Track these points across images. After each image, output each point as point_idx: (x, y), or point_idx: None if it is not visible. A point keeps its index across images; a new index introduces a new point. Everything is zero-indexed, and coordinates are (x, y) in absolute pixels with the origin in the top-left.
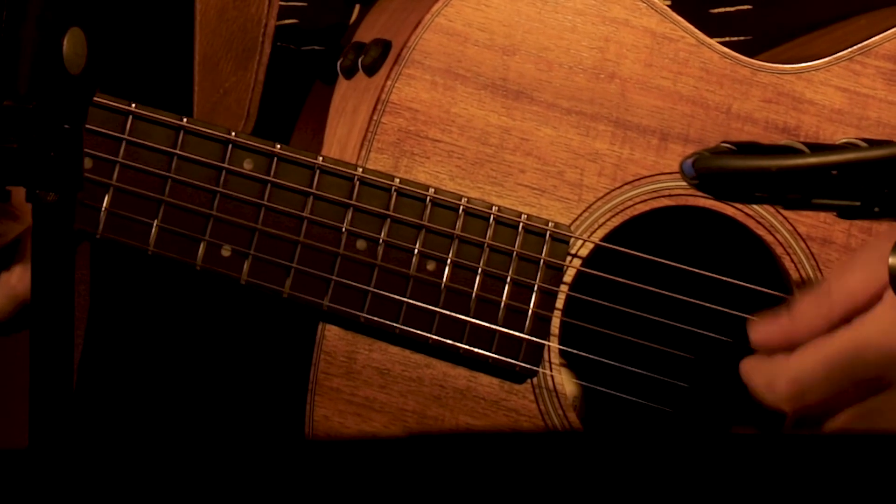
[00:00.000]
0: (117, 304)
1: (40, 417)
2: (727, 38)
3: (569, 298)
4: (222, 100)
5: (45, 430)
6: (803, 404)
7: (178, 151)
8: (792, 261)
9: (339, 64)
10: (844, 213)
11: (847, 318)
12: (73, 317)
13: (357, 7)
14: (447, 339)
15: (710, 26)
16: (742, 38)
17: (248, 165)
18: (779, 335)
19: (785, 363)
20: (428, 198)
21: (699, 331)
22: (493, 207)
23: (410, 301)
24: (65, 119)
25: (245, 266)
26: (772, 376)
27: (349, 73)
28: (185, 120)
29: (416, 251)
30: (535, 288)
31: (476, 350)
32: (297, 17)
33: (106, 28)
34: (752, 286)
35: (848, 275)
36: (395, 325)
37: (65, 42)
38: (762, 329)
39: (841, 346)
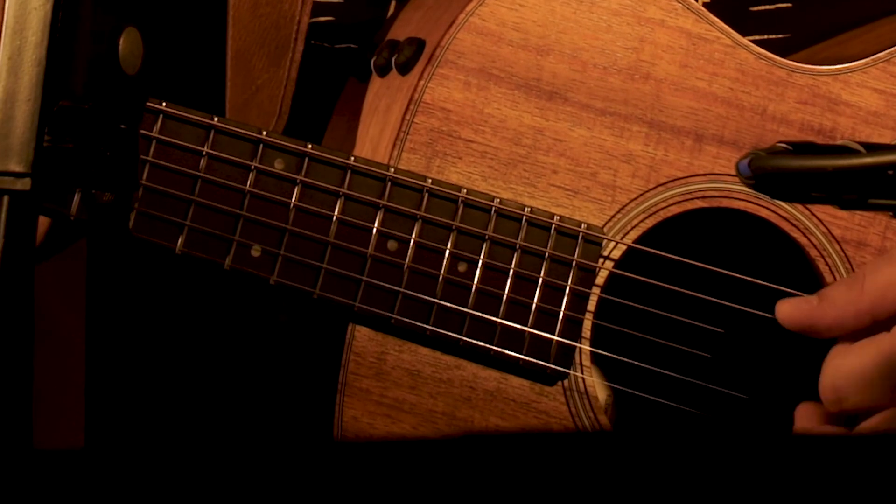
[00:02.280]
0: (146, 305)
1: (97, 418)
2: (766, 36)
3: (600, 300)
4: (254, 97)
5: (101, 431)
6: (841, 409)
7: (208, 150)
8: (826, 263)
9: (372, 62)
10: None
11: (875, 313)
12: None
13: (393, 2)
14: (478, 340)
15: (750, 24)
16: (781, 35)
17: (278, 165)
18: (803, 315)
19: (824, 368)
20: (460, 198)
21: (732, 333)
22: (526, 208)
23: (441, 302)
24: (121, 119)
25: (275, 266)
26: (838, 382)
27: (383, 72)
28: (215, 119)
29: (447, 252)
30: (567, 290)
31: (507, 352)
32: (333, 15)
33: (161, 27)
34: (786, 289)
35: (884, 268)
36: (425, 326)
37: (121, 42)
38: (788, 307)
39: (879, 353)
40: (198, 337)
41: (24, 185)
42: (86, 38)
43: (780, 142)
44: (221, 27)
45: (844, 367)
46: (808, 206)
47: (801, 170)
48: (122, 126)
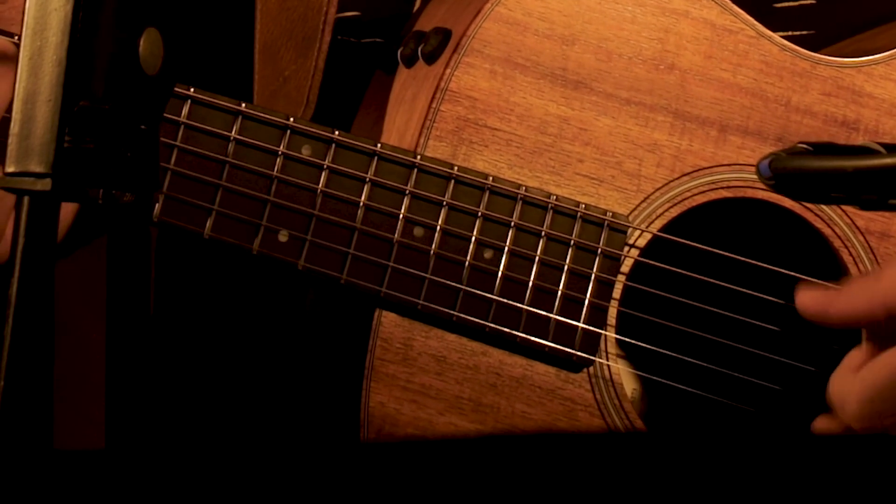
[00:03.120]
0: (167, 301)
1: (117, 418)
2: (790, 33)
3: (626, 289)
4: (282, 88)
5: (121, 431)
6: (872, 425)
7: (236, 136)
8: (850, 254)
9: (399, 53)
10: None
11: (888, 305)
12: (150, 317)
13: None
14: (504, 327)
15: (774, 20)
16: (805, 32)
17: (306, 151)
18: (818, 302)
19: (852, 382)
20: (486, 186)
21: (756, 322)
22: (551, 196)
23: (467, 289)
24: (141, 120)
25: (302, 252)
26: (843, 395)
27: (409, 62)
28: (243, 105)
29: (473, 239)
30: (593, 277)
31: (532, 338)
32: (359, 9)
33: (189, 20)
34: (810, 279)
35: None
36: (451, 312)
37: (141, 43)
38: (805, 293)
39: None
40: (222, 330)
41: (44, 185)
42: (106, 38)
43: (801, 142)
44: (249, 20)
45: (874, 381)
46: None
47: (821, 170)
48: (143, 126)
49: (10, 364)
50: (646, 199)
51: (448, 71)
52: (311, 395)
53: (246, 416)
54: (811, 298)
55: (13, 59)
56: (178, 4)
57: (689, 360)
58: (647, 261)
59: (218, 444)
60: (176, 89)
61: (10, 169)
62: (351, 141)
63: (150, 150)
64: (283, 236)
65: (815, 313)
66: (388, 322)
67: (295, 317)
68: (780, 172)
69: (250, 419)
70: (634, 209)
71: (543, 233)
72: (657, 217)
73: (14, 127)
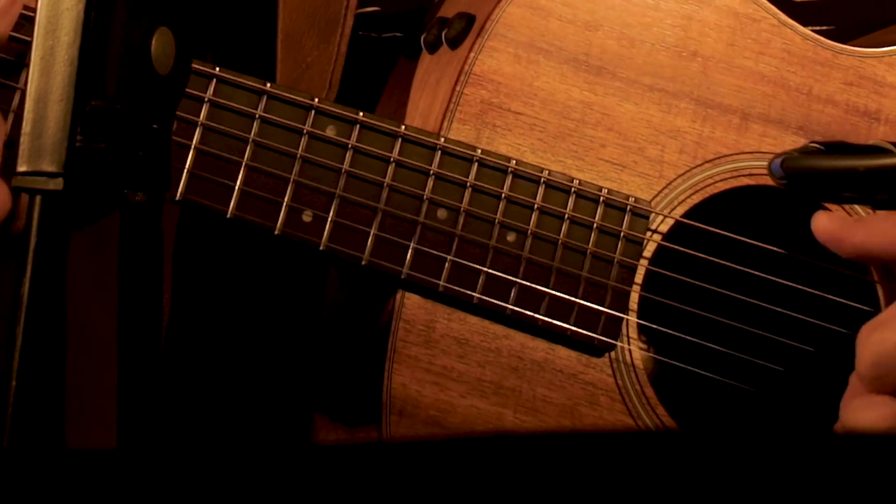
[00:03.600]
0: (194, 285)
1: (129, 418)
2: (810, 28)
3: (648, 274)
4: (305, 74)
5: (133, 430)
6: (883, 387)
7: (261, 114)
8: None
9: (422, 38)
10: None
11: None
12: (161, 316)
13: None
14: (526, 310)
15: (793, 15)
16: (825, 27)
17: (330, 131)
18: (835, 226)
19: (861, 343)
20: (509, 169)
21: (777, 308)
22: (574, 181)
23: (490, 271)
24: (153, 119)
25: (325, 232)
26: (858, 353)
27: (433, 48)
28: (268, 85)
29: (496, 221)
30: (615, 261)
31: (554, 322)
32: (379, 4)
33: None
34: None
35: None
36: (474, 294)
37: (153, 42)
38: (824, 217)
39: None
40: (244, 307)
41: (56, 184)
42: (118, 38)
43: (813, 142)
44: (272, 8)
45: (886, 342)
46: None
47: (833, 170)
48: (154, 126)
49: (21, 364)
50: (668, 185)
51: (472, 55)
52: (333, 376)
53: (263, 406)
54: (828, 222)
55: None
56: (191, 3)
57: (711, 345)
58: (669, 245)
59: (234, 435)
60: (201, 68)
61: (21, 168)
62: (375, 122)
63: (161, 149)
64: (306, 216)
65: (830, 237)
66: (411, 304)
67: (315, 303)
68: (792, 172)
69: (267, 409)
70: (657, 195)
71: (566, 216)
72: (679, 203)
73: (26, 126)
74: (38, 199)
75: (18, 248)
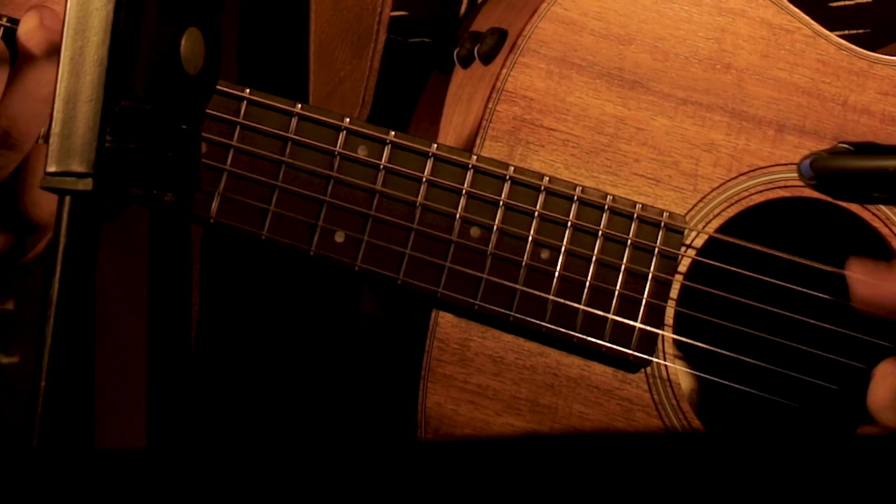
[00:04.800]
0: (226, 293)
1: (158, 418)
2: (846, 32)
3: (683, 289)
4: (338, 88)
5: (162, 431)
6: None
7: (292, 136)
8: None
9: (455, 53)
10: None
11: None
12: (190, 317)
13: None
14: (561, 327)
15: (830, 19)
16: (861, 31)
17: (362, 151)
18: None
19: (876, 384)
20: (542, 186)
21: (814, 322)
22: (608, 197)
23: (524, 289)
24: (182, 119)
25: (359, 252)
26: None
27: (466, 62)
28: (299, 106)
29: (530, 239)
30: (650, 277)
31: (589, 338)
32: (406, 9)
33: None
34: (867, 278)
35: None
36: (508, 312)
37: (182, 43)
38: (856, 271)
39: None
40: (278, 325)
41: (85, 185)
42: (147, 38)
43: (842, 142)
44: (304, 21)
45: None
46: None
47: (862, 170)
48: (184, 126)
49: (51, 364)
50: (703, 198)
51: (504, 71)
52: (369, 397)
53: (298, 418)
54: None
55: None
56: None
57: (747, 360)
58: (704, 260)
59: (264, 445)
60: (231, 90)
61: (51, 168)
62: (407, 142)
63: (191, 149)
64: (339, 237)
65: (863, 301)
66: (445, 323)
67: (350, 319)
68: (821, 172)
69: (303, 420)
70: (691, 209)
71: (600, 233)
72: (714, 217)
73: (55, 126)
74: (67, 199)
75: (48, 249)
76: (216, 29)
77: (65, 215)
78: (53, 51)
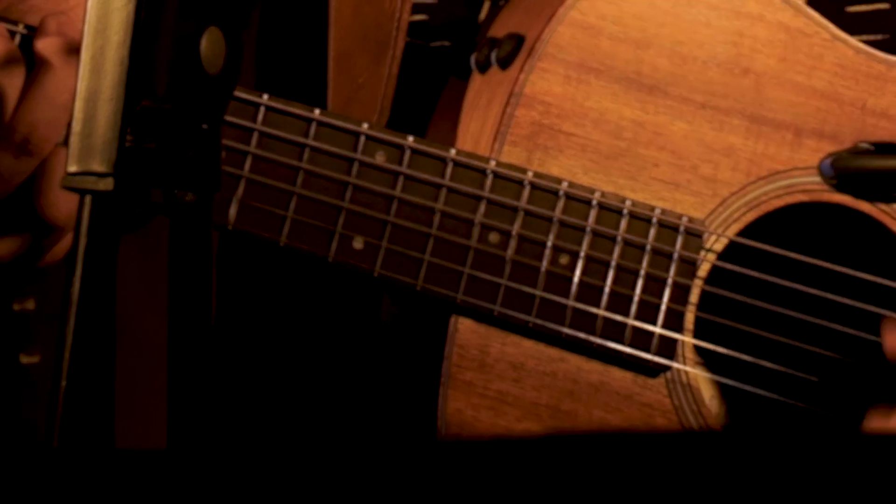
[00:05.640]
0: (244, 298)
1: (179, 418)
2: (863, 37)
3: (702, 293)
4: (356, 94)
5: (183, 432)
6: None
7: (310, 142)
8: None
9: (473, 59)
10: None
11: None
12: (211, 317)
13: (487, 2)
14: (580, 332)
15: (846, 25)
16: (879, 37)
17: (380, 157)
18: None
19: None
20: (561, 191)
21: (835, 327)
22: (627, 201)
23: (544, 294)
24: (202, 119)
25: (378, 259)
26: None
27: (483, 68)
28: (317, 112)
29: (549, 244)
30: (669, 282)
31: (609, 344)
32: (427, 14)
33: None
34: (888, 282)
35: None
36: (528, 318)
37: (202, 42)
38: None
39: None
40: (296, 331)
41: (106, 185)
42: (168, 37)
43: (863, 142)
44: (323, 27)
45: None
46: None
47: (883, 170)
48: (204, 126)
49: (71, 364)
50: (722, 203)
51: (522, 76)
52: (388, 403)
53: (318, 424)
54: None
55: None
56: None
57: (766, 364)
58: (723, 265)
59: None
60: (249, 97)
61: (71, 168)
62: (425, 147)
63: (211, 149)
64: (358, 243)
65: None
66: (465, 329)
67: (369, 325)
68: (842, 172)
69: (323, 426)
70: (710, 213)
71: (619, 238)
72: (733, 221)
73: (76, 126)
74: (88, 199)
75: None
76: (237, 28)
77: (85, 215)
78: (71, 58)
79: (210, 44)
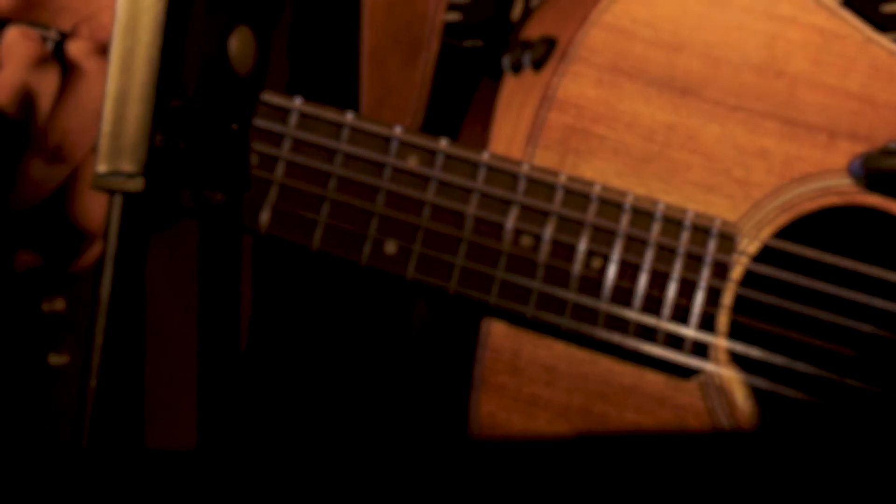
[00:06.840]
0: (277, 302)
1: (209, 418)
2: None
3: (736, 296)
4: (389, 96)
5: (213, 431)
6: None
7: (343, 147)
8: None
9: (506, 61)
10: None
11: None
12: (240, 318)
13: (519, 2)
14: (613, 335)
15: (882, 24)
16: None
17: (413, 162)
18: None
19: None
20: (594, 195)
21: (869, 329)
22: (660, 204)
23: (576, 297)
24: (232, 119)
25: (410, 263)
26: None
27: (516, 70)
28: (349, 116)
29: (581, 248)
30: (702, 284)
31: (642, 346)
32: (461, 13)
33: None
34: None
35: None
36: (560, 321)
37: (232, 41)
38: None
39: None
40: (328, 334)
41: (136, 185)
42: (197, 37)
43: (894, 141)
44: (356, 27)
45: None
46: None
47: None
48: (234, 126)
49: (102, 364)
50: (755, 205)
51: (555, 79)
52: (419, 406)
53: (349, 424)
54: None
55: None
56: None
57: (801, 367)
58: (757, 267)
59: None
60: (282, 102)
61: (101, 168)
62: (458, 152)
63: (240, 149)
64: (390, 248)
65: None
66: (497, 332)
67: (401, 329)
68: (872, 172)
69: (353, 427)
70: (743, 216)
71: (652, 241)
72: (767, 224)
73: (105, 126)
74: (117, 199)
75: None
76: (267, 27)
77: (115, 215)
78: (103, 63)
79: (240, 43)
